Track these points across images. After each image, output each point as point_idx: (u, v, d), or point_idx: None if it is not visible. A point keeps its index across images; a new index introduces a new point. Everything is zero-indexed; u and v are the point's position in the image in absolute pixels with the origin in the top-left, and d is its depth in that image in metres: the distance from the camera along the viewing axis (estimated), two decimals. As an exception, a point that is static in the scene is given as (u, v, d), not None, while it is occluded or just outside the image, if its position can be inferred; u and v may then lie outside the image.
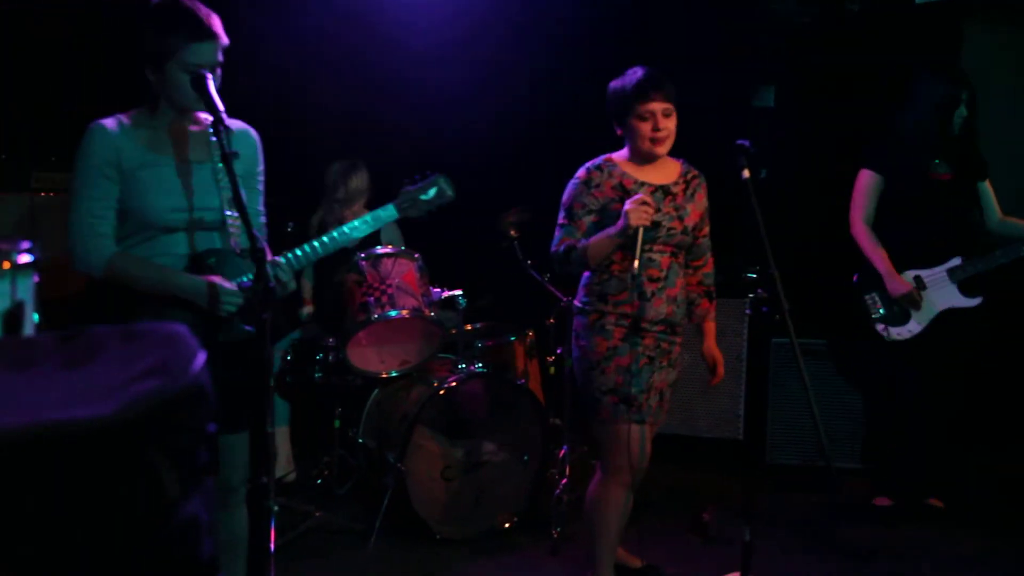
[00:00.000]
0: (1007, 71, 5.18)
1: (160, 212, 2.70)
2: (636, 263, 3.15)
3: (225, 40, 2.73)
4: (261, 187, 2.97)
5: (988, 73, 5.18)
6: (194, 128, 2.81)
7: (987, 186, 4.56)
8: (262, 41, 5.10)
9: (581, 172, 3.43)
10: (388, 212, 3.01)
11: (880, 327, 4.46)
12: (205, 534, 1.09)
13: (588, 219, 3.37)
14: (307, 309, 5.01)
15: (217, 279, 2.70)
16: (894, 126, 4.52)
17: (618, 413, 3.33)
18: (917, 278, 4.43)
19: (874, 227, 4.49)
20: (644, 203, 3.19)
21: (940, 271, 4.42)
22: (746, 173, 3.13)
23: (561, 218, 3.43)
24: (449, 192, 3.04)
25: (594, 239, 3.30)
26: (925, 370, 4.48)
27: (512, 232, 4.73)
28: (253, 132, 2.94)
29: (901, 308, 4.43)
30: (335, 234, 2.92)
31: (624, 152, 3.46)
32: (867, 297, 4.49)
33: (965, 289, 4.41)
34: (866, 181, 4.51)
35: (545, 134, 5.80)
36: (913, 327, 4.42)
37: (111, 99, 2.98)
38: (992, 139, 5.08)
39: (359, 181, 4.94)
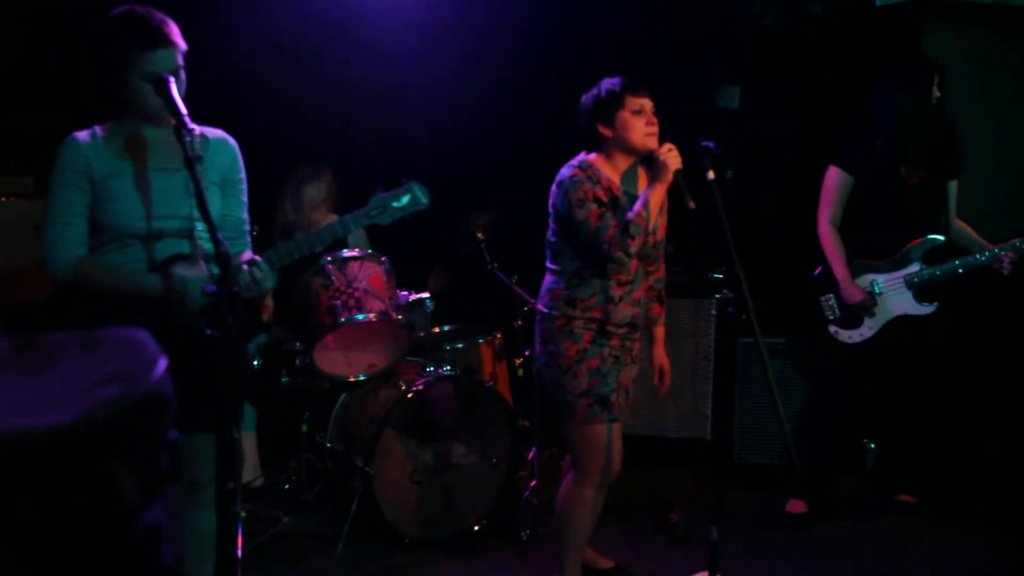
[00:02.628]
0: (966, 70, 5.23)
1: (128, 220, 2.73)
2: (692, 203, 3.19)
3: (183, 46, 2.75)
4: (244, 196, 3.00)
5: (947, 72, 5.23)
6: (168, 136, 2.77)
7: (953, 186, 4.49)
8: (227, 42, 5.06)
9: (575, 171, 3.37)
10: (358, 218, 2.96)
11: (832, 329, 4.43)
12: (166, 541, 1.08)
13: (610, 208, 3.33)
14: (266, 316, 4.96)
15: (176, 271, 2.72)
16: (865, 125, 4.42)
17: (593, 415, 3.38)
18: (874, 282, 4.37)
19: (841, 228, 4.42)
20: (671, 149, 3.27)
21: (898, 276, 4.37)
22: (711, 174, 3.14)
23: (591, 211, 3.28)
24: (423, 200, 2.98)
25: (638, 205, 3.29)
26: (866, 374, 4.48)
27: (479, 234, 4.73)
28: (231, 140, 2.99)
29: (855, 312, 4.40)
30: (312, 236, 2.91)
31: (597, 156, 3.44)
32: (823, 299, 4.45)
33: (920, 296, 4.37)
34: (835, 179, 4.41)
35: (512, 137, 5.80)
36: (864, 331, 4.39)
37: (58, 106, 2.97)
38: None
39: (321, 187, 4.91)
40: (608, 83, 3.40)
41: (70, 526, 1.02)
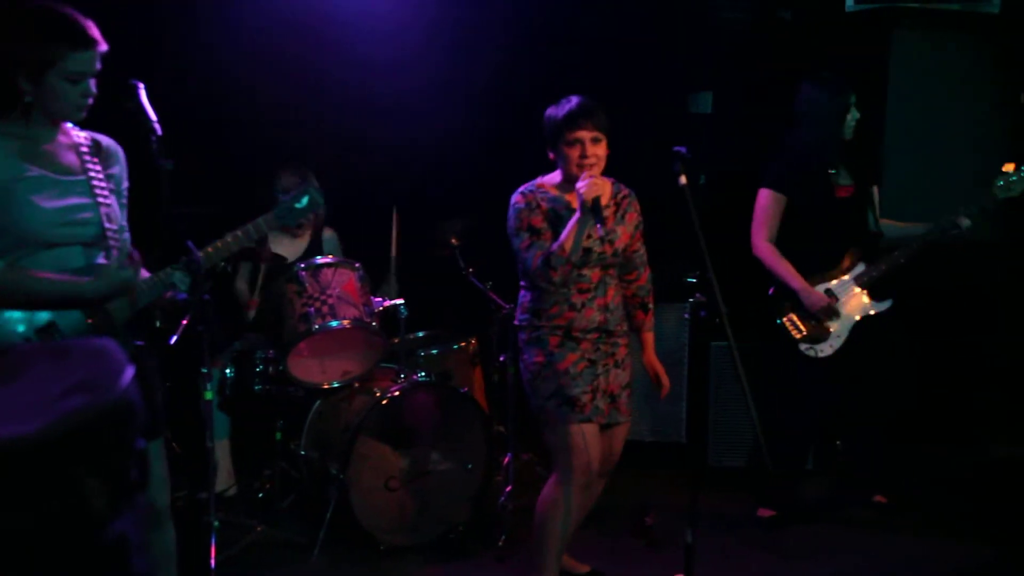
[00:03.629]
0: (933, 76, 5.30)
1: (39, 226, 2.59)
2: (600, 227, 3.28)
3: (104, 47, 2.63)
4: (126, 203, 2.89)
5: (915, 78, 5.30)
6: (64, 139, 2.72)
7: (875, 191, 4.58)
8: (207, 48, 5.04)
9: (518, 197, 3.54)
10: (269, 221, 3.02)
11: (804, 347, 4.42)
12: (136, 551, 1.08)
13: (549, 231, 3.47)
14: (252, 313, 4.94)
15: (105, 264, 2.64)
16: (789, 143, 4.49)
17: (562, 415, 3.43)
18: (828, 291, 4.42)
19: (779, 244, 4.45)
20: (591, 176, 3.35)
21: (848, 281, 4.43)
22: (683, 179, 3.15)
23: (524, 240, 3.48)
24: (320, 200, 3.15)
25: (563, 236, 3.39)
26: (847, 381, 4.52)
27: (453, 240, 4.73)
28: (121, 150, 2.87)
29: (820, 324, 4.41)
30: (232, 237, 2.89)
31: (555, 176, 3.59)
32: (785, 320, 4.44)
33: (874, 295, 4.44)
34: (766, 201, 4.46)
35: (488, 143, 5.81)
36: (834, 341, 4.41)
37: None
38: (918, 143, 5.20)
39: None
40: (554, 112, 3.52)
41: (38, 535, 1.02)
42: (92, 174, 2.69)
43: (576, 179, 3.43)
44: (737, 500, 4.80)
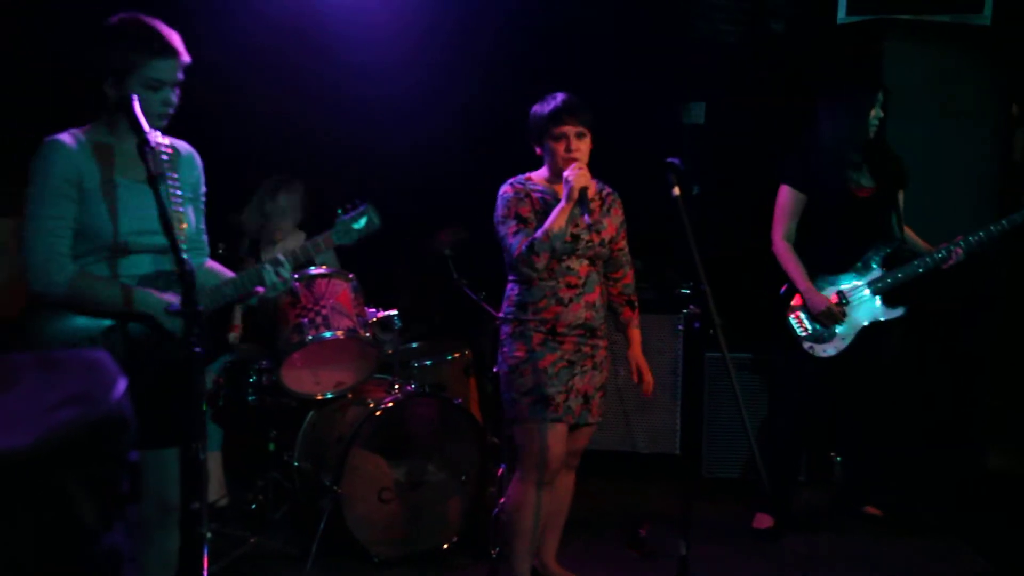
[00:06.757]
0: (925, 87, 5.31)
1: (119, 234, 2.71)
2: (586, 217, 3.41)
3: (186, 58, 2.79)
4: (203, 207, 3.05)
5: (907, 89, 5.31)
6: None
7: (900, 196, 4.57)
8: (194, 52, 5.02)
9: (507, 188, 3.66)
10: (326, 241, 3.11)
11: (807, 345, 4.43)
12: (127, 563, 1.07)
13: (535, 221, 3.56)
14: (234, 335, 4.94)
15: (170, 296, 2.74)
16: (811, 141, 4.49)
17: (535, 412, 3.54)
18: (840, 293, 4.42)
19: (796, 243, 4.47)
20: (580, 167, 3.46)
21: (862, 284, 4.43)
22: (676, 190, 3.16)
23: (511, 227, 3.57)
24: (376, 221, 3.17)
25: (548, 222, 3.48)
26: (848, 385, 4.53)
27: (446, 250, 4.72)
28: (197, 154, 3.02)
29: (825, 324, 4.42)
30: (299, 252, 3.01)
31: (543, 172, 3.70)
32: (792, 316, 4.46)
33: (888, 301, 4.44)
34: (786, 198, 4.48)
35: (480, 153, 5.80)
36: (839, 343, 4.41)
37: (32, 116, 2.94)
38: (909, 153, 5.21)
39: (293, 199, 4.92)
40: (540, 108, 3.63)
41: (27, 548, 1.01)
42: (170, 183, 2.80)
43: (562, 172, 3.55)
44: (731, 511, 4.81)
